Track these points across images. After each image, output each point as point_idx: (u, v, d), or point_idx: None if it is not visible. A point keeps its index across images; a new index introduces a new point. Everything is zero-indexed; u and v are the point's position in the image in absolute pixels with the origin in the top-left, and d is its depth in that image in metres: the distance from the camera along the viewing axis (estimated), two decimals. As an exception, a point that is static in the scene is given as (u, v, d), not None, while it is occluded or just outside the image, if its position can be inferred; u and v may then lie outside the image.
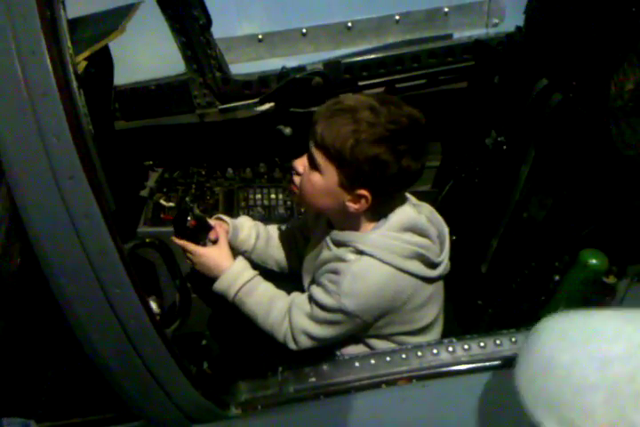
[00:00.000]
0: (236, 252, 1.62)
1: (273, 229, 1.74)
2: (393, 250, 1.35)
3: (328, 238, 1.45)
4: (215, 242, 1.55)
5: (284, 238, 1.72)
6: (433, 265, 1.42)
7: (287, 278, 1.71)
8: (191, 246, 1.51)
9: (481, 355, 1.24)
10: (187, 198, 2.25)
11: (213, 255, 1.51)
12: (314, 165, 1.34)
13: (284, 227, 1.76)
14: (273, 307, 1.46)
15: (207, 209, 2.22)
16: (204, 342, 1.95)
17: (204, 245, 1.53)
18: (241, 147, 2.39)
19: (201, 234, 1.53)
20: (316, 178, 1.34)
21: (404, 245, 1.36)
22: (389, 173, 1.28)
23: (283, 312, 1.45)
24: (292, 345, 1.43)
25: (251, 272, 1.52)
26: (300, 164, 1.38)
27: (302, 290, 1.56)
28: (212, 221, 1.59)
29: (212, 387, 1.22)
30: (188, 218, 1.49)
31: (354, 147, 1.26)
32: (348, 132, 1.27)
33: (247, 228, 1.67)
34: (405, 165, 1.28)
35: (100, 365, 1.10)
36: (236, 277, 1.49)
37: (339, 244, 1.42)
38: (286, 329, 1.44)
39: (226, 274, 1.49)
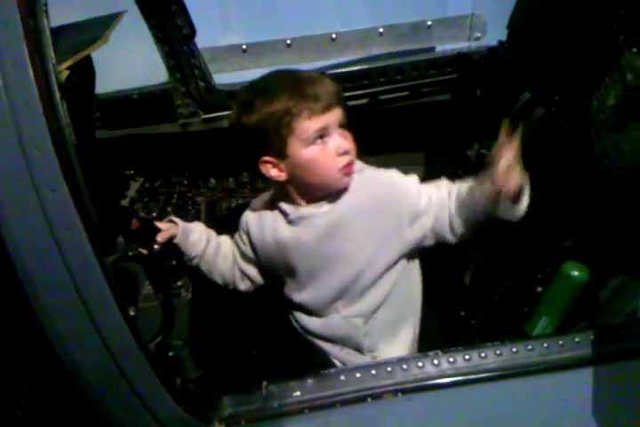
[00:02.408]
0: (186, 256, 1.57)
1: (223, 240, 1.66)
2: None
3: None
4: (162, 244, 1.47)
5: (231, 251, 1.65)
6: None
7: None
8: None
9: (466, 368, 1.24)
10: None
11: None
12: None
13: (230, 240, 1.68)
14: None
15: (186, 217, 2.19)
16: (170, 353, 1.91)
17: (152, 247, 1.46)
18: (224, 156, 2.38)
19: (147, 236, 1.47)
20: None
21: None
22: None
23: None
24: None
25: None
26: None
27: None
28: (161, 224, 1.54)
29: (195, 402, 1.20)
30: (133, 221, 1.46)
31: None
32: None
33: (198, 231, 1.60)
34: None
35: (80, 379, 1.08)
36: None
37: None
38: None
39: None
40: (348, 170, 1.37)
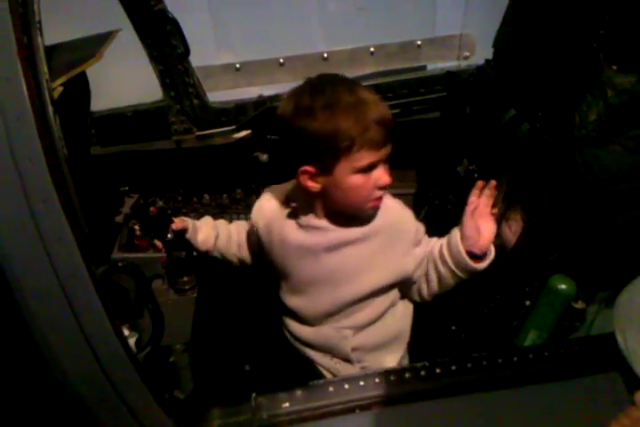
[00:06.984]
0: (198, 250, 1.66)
1: (235, 229, 1.70)
2: None
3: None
4: (176, 232, 1.57)
5: (246, 235, 1.70)
6: None
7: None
8: None
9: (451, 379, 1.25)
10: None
11: None
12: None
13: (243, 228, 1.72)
14: None
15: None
16: (171, 358, 1.92)
17: (166, 235, 1.55)
18: (218, 173, 2.40)
19: (162, 224, 1.58)
20: None
21: None
22: None
23: None
24: None
25: None
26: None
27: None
28: (175, 219, 1.63)
29: (185, 413, 1.20)
30: (150, 208, 1.52)
31: None
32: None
33: (206, 228, 1.65)
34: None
35: (71, 391, 1.08)
36: None
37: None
38: None
39: None
40: (378, 203, 1.39)
